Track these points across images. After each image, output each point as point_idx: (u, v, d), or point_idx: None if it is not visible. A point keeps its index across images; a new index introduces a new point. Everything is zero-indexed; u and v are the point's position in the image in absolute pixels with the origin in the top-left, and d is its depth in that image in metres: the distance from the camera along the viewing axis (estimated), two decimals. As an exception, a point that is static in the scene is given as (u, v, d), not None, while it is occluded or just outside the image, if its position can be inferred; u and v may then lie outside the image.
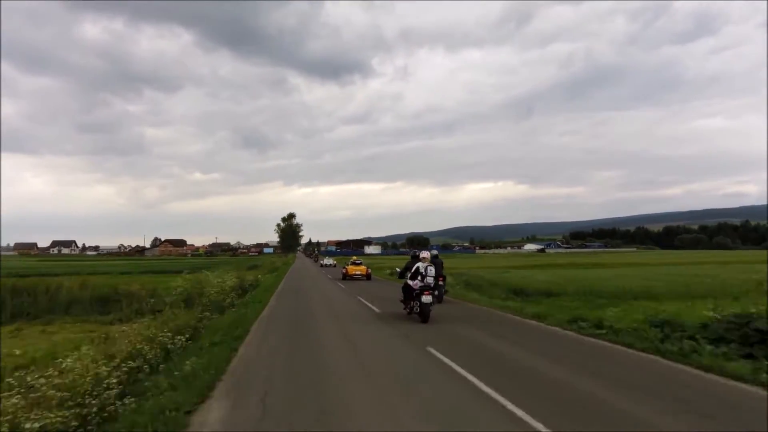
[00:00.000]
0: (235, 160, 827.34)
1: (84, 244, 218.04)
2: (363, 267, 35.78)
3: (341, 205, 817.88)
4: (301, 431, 4.85)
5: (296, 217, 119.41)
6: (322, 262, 65.78)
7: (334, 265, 60.60)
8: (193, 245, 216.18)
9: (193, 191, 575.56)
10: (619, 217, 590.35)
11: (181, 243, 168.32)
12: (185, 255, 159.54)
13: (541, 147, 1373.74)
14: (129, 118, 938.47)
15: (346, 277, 35.31)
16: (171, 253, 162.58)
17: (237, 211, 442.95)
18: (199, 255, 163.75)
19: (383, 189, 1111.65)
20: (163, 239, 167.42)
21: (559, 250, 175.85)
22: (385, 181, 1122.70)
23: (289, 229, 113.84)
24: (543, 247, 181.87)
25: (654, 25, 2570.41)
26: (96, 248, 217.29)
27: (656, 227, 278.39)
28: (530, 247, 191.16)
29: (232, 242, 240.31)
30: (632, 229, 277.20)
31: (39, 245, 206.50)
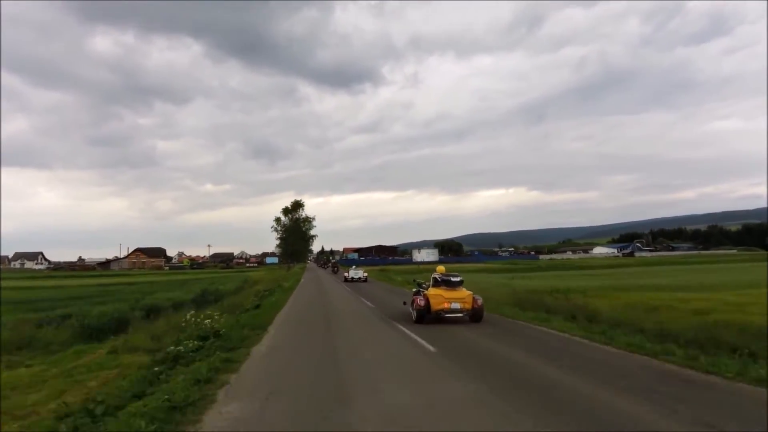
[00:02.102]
0: (246, 171, 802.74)
1: (83, 258, 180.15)
2: (466, 293, 14.20)
3: (352, 215, 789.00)
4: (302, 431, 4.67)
5: (305, 208, 76.45)
6: (347, 274, 45.62)
7: (365, 279, 43.66)
8: (193, 255, 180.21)
9: (204, 203, 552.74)
10: (633, 221, 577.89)
11: (158, 252, 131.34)
12: (160, 268, 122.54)
13: (553, 153, 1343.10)
14: (140, 131, 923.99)
15: (425, 314, 13.92)
16: (145, 266, 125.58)
17: (247, 221, 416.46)
18: (182, 267, 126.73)
19: (394, 197, 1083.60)
20: (137, 248, 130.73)
21: (643, 253, 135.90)
22: (396, 189, 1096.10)
23: (295, 226, 75.47)
24: (630, 249, 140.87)
25: (667, 26, 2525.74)
26: (80, 260, 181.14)
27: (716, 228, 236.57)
28: (602, 250, 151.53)
29: (236, 252, 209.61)
30: (703, 227, 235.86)
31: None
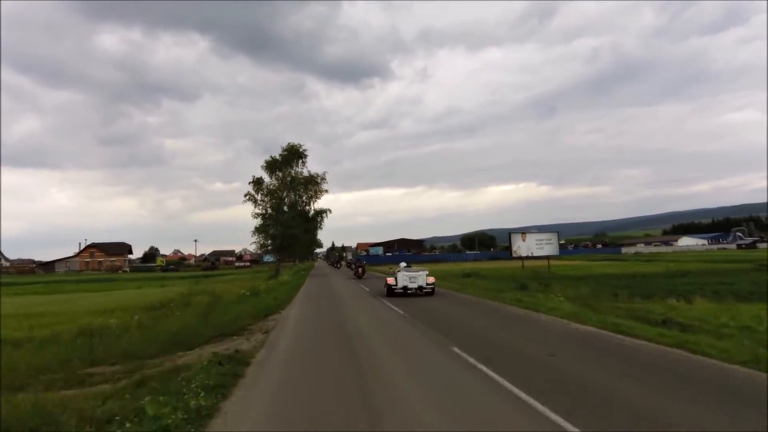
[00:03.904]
0: (256, 169, 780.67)
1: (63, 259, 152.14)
2: None
3: (361, 212, 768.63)
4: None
5: (307, 161, 42.07)
6: (392, 281, 20.75)
7: (432, 290, 21.10)
8: (184, 253, 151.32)
9: (214, 201, 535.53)
10: (646, 216, 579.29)
11: (121, 248, 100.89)
12: (118, 269, 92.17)
13: (565, 147, 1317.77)
14: (149, 130, 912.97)
15: None
16: (101, 266, 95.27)
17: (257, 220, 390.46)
18: (150, 269, 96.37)
19: (403, 194, 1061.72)
20: (92, 243, 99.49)
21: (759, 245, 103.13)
22: (405, 186, 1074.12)
23: (289, 191, 40.89)
24: (749, 241, 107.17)
25: (682, 16, 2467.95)
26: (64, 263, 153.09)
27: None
28: (689, 241, 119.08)
29: (238, 250, 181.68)
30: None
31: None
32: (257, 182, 39.61)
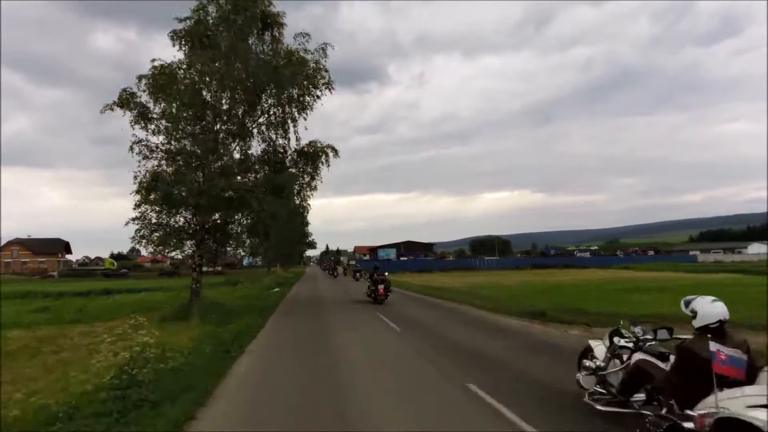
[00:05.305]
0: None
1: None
2: None
3: (355, 217, 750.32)
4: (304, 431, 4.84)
5: (285, 31, 16.82)
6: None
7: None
8: (149, 254, 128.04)
9: None
10: (640, 225, 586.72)
11: (54, 246, 78.30)
12: (42, 273, 70.02)
13: (559, 154, 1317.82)
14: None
15: None
16: (26, 268, 73.10)
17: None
18: (89, 274, 74.34)
19: (398, 199, 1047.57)
20: (16, 238, 76.88)
21: None
22: (400, 191, 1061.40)
23: (237, 95, 16.32)
24: None
25: (677, 26, 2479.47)
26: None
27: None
28: (759, 248, 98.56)
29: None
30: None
31: None
32: (159, 74, 15.26)
